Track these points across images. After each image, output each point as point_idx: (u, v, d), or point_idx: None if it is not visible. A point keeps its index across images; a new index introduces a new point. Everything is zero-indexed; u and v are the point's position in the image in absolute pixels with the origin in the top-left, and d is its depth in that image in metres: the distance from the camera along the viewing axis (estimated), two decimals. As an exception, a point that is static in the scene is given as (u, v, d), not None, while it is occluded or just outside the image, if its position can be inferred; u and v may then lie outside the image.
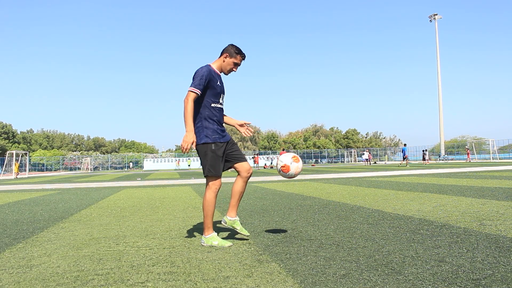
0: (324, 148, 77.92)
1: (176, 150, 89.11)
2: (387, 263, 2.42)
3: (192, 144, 3.07)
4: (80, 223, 4.66)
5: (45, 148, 77.23)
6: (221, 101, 3.31)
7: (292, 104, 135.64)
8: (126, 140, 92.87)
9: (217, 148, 3.17)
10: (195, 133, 3.18)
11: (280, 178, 14.65)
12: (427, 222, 3.85)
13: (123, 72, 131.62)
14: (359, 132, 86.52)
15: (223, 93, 3.35)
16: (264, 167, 40.30)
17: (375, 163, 48.83)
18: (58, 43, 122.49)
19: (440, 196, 6.36)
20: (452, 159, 53.64)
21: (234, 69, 3.35)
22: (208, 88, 3.18)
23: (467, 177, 11.52)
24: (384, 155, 76.64)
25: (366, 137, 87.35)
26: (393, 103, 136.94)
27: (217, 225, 4.09)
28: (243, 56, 3.34)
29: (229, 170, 3.87)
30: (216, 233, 3.23)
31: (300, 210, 5.13)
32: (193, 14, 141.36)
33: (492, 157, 45.13)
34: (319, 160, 76.33)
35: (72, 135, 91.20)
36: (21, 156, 42.46)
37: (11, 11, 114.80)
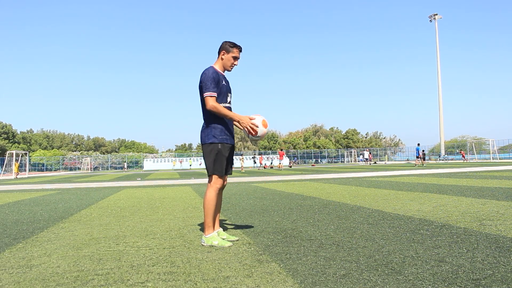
0: (324, 148, 77.95)
1: (176, 150, 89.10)
2: (387, 263, 2.42)
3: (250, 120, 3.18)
4: (80, 223, 4.66)
5: (45, 148, 77.24)
6: (229, 99, 3.35)
7: (292, 104, 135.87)
8: (126, 140, 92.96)
9: (223, 148, 3.21)
10: (203, 133, 3.25)
11: (280, 178, 15.23)
12: (427, 222, 3.85)
13: (123, 72, 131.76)
14: (359, 132, 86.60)
15: (230, 92, 3.39)
16: (264, 167, 40.29)
17: (375, 163, 48.82)
18: (58, 43, 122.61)
19: (440, 196, 6.36)
20: (452, 159, 53.62)
21: (235, 63, 3.37)
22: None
23: (467, 177, 11.52)
24: (384, 155, 76.61)
25: (366, 137, 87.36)
26: (393, 103, 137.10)
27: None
28: (239, 48, 3.36)
29: None
30: (216, 233, 3.23)
31: (300, 210, 5.14)
32: (193, 14, 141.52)
33: (492, 157, 45.15)
34: (319, 160, 76.35)
35: (72, 135, 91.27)
36: (21, 156, 42.48)
37: (11, 11, 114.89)
